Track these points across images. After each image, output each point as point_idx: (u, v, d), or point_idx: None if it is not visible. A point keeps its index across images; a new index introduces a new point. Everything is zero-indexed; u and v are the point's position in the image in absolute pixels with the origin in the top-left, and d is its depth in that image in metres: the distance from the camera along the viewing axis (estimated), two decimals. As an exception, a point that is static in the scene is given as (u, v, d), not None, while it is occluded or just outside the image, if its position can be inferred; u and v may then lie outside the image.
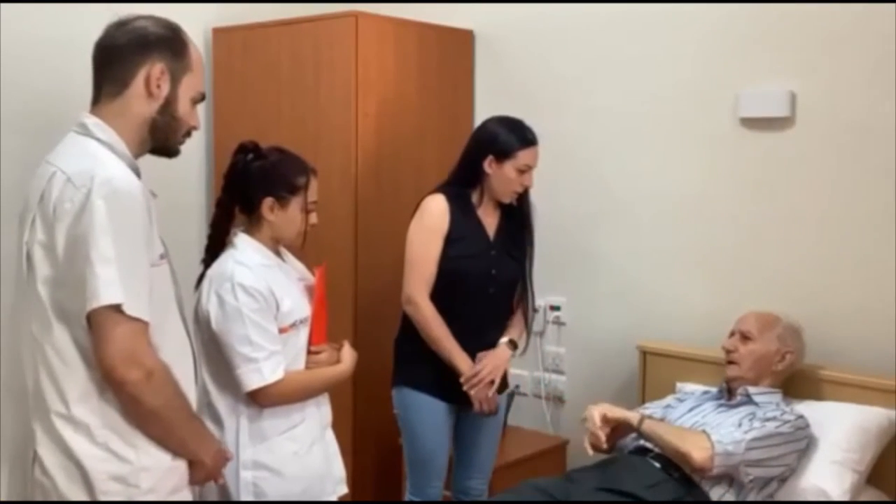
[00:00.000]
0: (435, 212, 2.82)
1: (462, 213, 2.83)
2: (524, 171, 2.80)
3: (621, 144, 3.32)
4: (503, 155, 2.78)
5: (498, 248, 2.87)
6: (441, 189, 2.87)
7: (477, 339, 2.82)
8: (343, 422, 2.58)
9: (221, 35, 3.69)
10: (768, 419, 2.52)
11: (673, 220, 3.22)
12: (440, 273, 2.80)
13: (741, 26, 3.02)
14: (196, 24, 3.52)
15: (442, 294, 2.81)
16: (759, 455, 2.45)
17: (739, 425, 2.51)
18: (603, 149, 3.36)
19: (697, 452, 2.42)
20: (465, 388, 2.78)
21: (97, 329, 1.78)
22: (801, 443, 2.54)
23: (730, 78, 3.05)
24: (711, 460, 2.41)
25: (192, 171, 3.70)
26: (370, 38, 3.31)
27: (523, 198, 2.89)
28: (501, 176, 2.80)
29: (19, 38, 3.06)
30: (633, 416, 2.62)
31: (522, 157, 2.78)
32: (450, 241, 2.81)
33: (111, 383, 1.81)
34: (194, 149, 3.62)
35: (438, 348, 2.79)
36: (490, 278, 2.84)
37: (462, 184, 2.87)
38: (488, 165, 2.80)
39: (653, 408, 2.89)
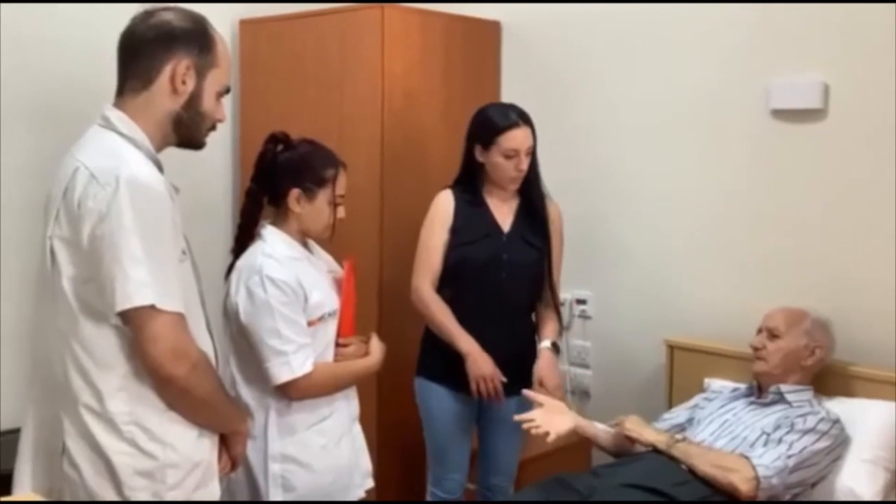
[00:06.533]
0: (439, 205, 2.87)
1: (469, 203, 2.86)
2: (511, 155, 2.77)
3: (650, 137, 3.28)
4: (487, 142, 2.78)
5: (511, 235, 2.86)
6: (450, 185, 2.91)
7: (489, 324, 2.79)
8: (367, 416, 2.58)
9: (248, 27, 3.69)
10: (807, 431, 2.46)
11: (702, 213, 3.18)
12: (447, 262, 2.83)
13: (772, 16, 2.97)
14: (223, 16, 3.51)
15: (449, 281, 2.84)
16: (801, 476, 2.42)
17: (779, 442, 2.43)
18: (631, 141, 3.33)
19: (743, 485, 2.35)
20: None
21: (138, 329, 1.78)
22: (839, 450, 2.50)
23: (761, 69, 3.00)
24: (756, 491, 2.35)
25: (217, 163, 3.70)
26: (396, 30, 3.29)
27: (531, 185, 2.86)
28: (491, 163, 2.81)
29: (23, 33, 3.05)
30: (660, 439, 2.55)
31: (504, 141, 2.76)
32: (454, 230, 2.84)
33: (158, 380, 1.82)
34: (220, 141, 3.62)
35: (442, 333, 2.80)
36: (500, 263, 2.83)
37: (467, 177, 2.89)
38: (479, 154, 2.82)
39: (678, 411, 2.85)
